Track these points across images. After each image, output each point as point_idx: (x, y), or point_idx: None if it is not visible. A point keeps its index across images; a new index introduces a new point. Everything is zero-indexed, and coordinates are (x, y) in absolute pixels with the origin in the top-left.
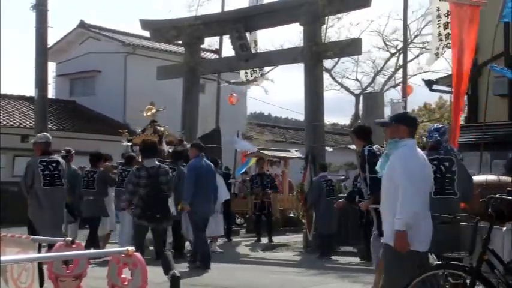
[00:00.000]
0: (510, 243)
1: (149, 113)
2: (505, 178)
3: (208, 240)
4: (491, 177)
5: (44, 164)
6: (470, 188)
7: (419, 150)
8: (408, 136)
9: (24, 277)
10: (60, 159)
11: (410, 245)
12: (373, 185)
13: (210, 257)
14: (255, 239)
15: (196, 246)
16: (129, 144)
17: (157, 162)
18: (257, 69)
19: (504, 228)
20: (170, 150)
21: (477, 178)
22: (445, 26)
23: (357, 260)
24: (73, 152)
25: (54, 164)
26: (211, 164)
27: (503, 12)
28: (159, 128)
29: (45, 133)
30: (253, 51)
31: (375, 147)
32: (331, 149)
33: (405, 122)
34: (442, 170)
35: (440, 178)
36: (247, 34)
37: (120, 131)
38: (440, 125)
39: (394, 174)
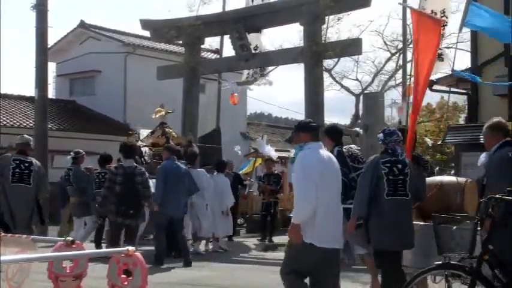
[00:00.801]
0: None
1: (158, 115)
2: (462, 179)
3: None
4: (447, 178)
5: (17, 162)
6: (423, 189)
7: (325, 152)
8: (311, 140)
9: (18, 276)
10: (35, 161)
11: (305, 238)
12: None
13: (187, 254)
14: (258, 238)
15: (156, 246)
16: (138, 145)
17: (135, 164)
18: (257, 69)
19: (454, 227)
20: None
21: (433, 179)
22: None
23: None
24: (83, 153)
25: (27, 164)
26: (184, 166)
27: (464, 21)
28: (167, 129)
29: (24, 135)
30: (257, 51)
31: (345, 148)
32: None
33: (304, 130)
34: (395, 172)
35: (392, 180)
36: (253, 35)
37: (130, 132)
38: (392, 130)
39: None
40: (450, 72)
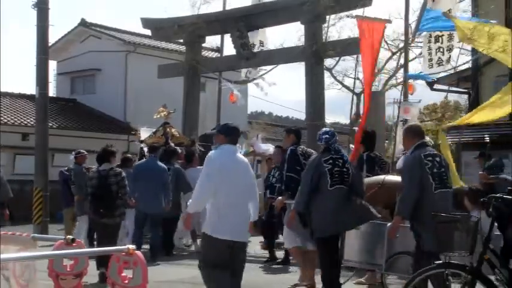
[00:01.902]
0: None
1: (158, 116)
2: None
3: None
4: (389, 177)
5: None
6: (360, 182)
7: (236, 154)
8: (227, 143)
9: (26, 274)
10: None
11: (210, 231)
12: (287, 183)
13: (155, 250)
14: (260, 241)
15: (133, 240)
16: (142, 145)
17: (111, 165)
18: (258, 69)
19: (388, 224)
20: (180, 151)
21: (376, 177)
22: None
23: None
24: (84, 153)
25: None
26: (162, 165)
27: (420, 25)
28: (168, 130)
29: None
30: (259, 49)
31: (299, 148)
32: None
33: (222, 132)
34: (339, 164)
35: (338, 171)
36: (254, 32)
37: (133, 132)
38: (329, 129)
39: None
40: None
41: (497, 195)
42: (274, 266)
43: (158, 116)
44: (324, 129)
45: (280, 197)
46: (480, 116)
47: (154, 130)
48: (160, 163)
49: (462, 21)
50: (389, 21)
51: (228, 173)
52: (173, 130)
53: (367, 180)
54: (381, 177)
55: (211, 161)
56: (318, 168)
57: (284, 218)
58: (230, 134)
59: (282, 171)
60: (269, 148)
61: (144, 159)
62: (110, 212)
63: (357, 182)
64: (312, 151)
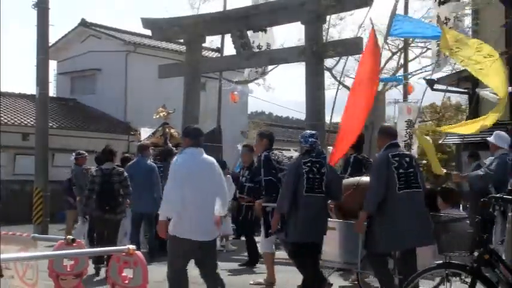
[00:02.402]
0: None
1: (157, 116)
2: None
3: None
4: (364, 179)
5: None
6: (338, 188)
7: (200, 157)
8: (191, 146)
9: (30, 273)
10: None
11: (173, 232)
12: (267, 187)
13: (153, 251)
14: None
15: (131, 239)
16: (139, 144)
17: (113, 165)
18: (258, 70)
19: (353, 222)
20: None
21: (351, 179)
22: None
23: None
24: (84, 154)
25: None
26: (150, 164)
27: (390, 30)
28: (167, 130)
29: None
30: (262, 49)
31: (272, 154)
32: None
33: (187, 135)
34: (314, 170)
35: (311, 178)
36: (258, 34)
37: (132, 133)
38: (314, 132)
39: None
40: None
41: (497, 195)
42: (280, 267)
43: (157, 116)
44: (309, 131)
45: (259, 200)
46: (466, 128)
47: (153, 130)
48: (149, 162)
49: (450, 31)
50: (380, 50)
51: (192, 175)
52: (172, 130)
53: (343, 182)
54: (357, 178)
55: (176, 166)
56: (298, 170)
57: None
58: (194, 136)
59: (256, 175)
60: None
61: (135, 159)
62: (113, 208)
63: (334, 187)
64: (284, 158)
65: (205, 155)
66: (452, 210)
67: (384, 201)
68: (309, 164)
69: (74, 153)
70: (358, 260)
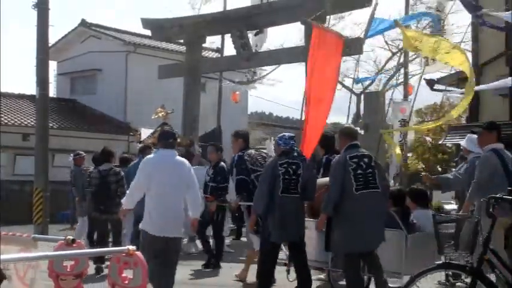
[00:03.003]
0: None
1: (156, 116)
2: None
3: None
4: None
5: None
6: (313, 188)
7: (169, 158)
8: (162, 147)
9: (30, 274)
10: None
11: (143, 228)
12: (238, 186)
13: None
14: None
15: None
16: (140, 145)
17: (111, 165)
18: (258, 71)
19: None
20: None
21: (324, 179)
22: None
23: None
24: (82, 155)
25: None
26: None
27: (368, 31)
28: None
29: None
30: (259, 50)
31: (246, 153)
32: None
33: (160, 138)
34: (290, 172)
35: (287, 179)
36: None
37: (132, 133)
38: (293, 135)
39: None
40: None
41: (497, 195)
42: (280, 267)
43: (156, 117)
44: (288, 134)
45: (235, 200)
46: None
47: (152, 131)
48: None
49: (410, 30)
50: (344, 37)
51: (158, 175)
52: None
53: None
54: (327, 178)
55: (143, 164)
56: (274, 171)
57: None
58: (164, 139)
59: (219, 174)
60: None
61: (136, 160)
62: (110, 209)
63: (309, 187)
64: (259, 156)
65: (177, 157)
66: (419, 210)
67: (342, 202)
68: (285, 166)
69: (72, 154)
70: (328, 258)
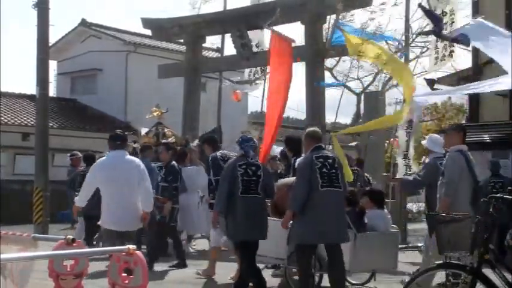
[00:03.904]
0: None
1: (151, 116)
2: None
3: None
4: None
5: None
6: (272, 188)
7: (119, 158)
8: (113, 149)
9: (22, 275)
10: None
11: (101, 223)
12: (217, 185)
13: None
14: None
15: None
16: (135, 145)
17: None
18: (258, 70)
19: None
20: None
21: (286, 179)
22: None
23: None
24: (78, 155)
25: None
26: (147, 165)
27: (332, 38)
28: (161, 129)
29: None
30: (259, 49)
31: (219, 153)
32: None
33: (109, 140)
34: (249, 173)
35: (246, 180)
36: (255, 32)
37: (126, 132)
38: (248, 136)
39: None
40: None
41: (497, 195)
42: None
43: (151, 116)
44: (249, 136)
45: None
46: (365, 126)
47: (146, 131)
48: (150, 163)
49: (352, 37)
50: (293, 40)
51: (109, 174)
52: (166, 130)
53: (281, 181)
54: (291, 179)
55: (94, 165)
56: (233, 172)
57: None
58: (114, 140)
59: (171, 174)
60: (276, 149)
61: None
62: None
63: (269, 187)
64: (230, 154)
65: (128, 157)
66: (375, 210)
67: (307, 199)
68: (243, 167)
69: (68, 154)
70: (285, 255)
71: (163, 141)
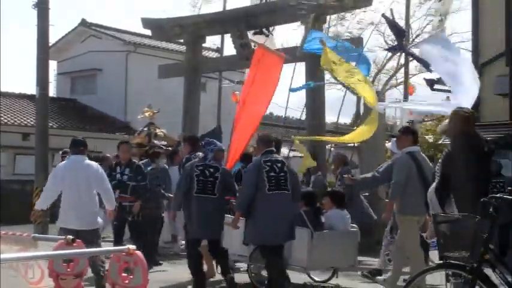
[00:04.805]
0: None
1: (142, 116)
2: None
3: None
4: None
5: None
6: (234, 188)
7: (77, 162)
8: (73, 153)
9: (30, 273)
10: None
11: (57, 223)
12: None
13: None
14: None
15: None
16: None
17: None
18: None
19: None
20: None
21: None
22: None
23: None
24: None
25: None
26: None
27: (305, 43)
28: (153, 130)
29: None
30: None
31: (194, 155)
32: (332, 148)
33: (70, 146)
34: (206, 174)
35: (203, 181)
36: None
37: (117, 133)
38: (211, 140)
39: None
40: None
41: (497, 195)
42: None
43: (142, 116)
44: (211, 139)
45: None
46: (349, 137)
47: (137, 131)
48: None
49: (331, 52)
50: (283, 56)
51: (69, 177)
52: (157, 130)
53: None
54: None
55: (54, 169)
56: (190, 172)
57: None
58: (74, 146)
59: (139, 174)
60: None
61: (146, 161)
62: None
63: (232, 187)
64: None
65: (87, 161)
66: (335, 210)
67: (255, 201)
68: (201, 168)
69: (60, 152)
70: (248, 253)
71: (156, 141)
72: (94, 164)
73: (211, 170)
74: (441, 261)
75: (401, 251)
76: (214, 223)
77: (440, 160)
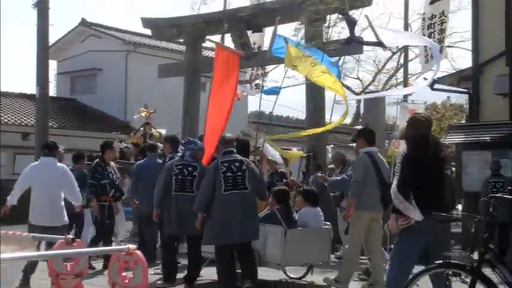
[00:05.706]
0: None
1: (139, 116)
2: None
3: None
4: None
5: None
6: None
7: (47, 164)
8: (45, 155)
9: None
10: None
11: (32, 220)
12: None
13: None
14: None
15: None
16: (122, 145)
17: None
18: (259, 71)
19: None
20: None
21: None
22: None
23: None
24: (61, 151)
25: None
26: (160, 163)
27: (271, 48)
28: (148, 130)
29: None
30: (259, 49)
31: (176, 154)
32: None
33: (42, 148)
34: (185, 172)
35: (181, 179)
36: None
37: (113, 133)
38: (191, 139)
39: None
40: (449, 72)
41: (497, 195)
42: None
43: (139, 116)
44: (192, 139)
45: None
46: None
47: (133, 131)
48: (159, 161)
49: (294, 49)
50: (240, 53)
51: (36, 177)
52: (153, 130)
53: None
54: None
55: (26, 169)
56: (169, 171)
57: None
58: (47, 148)
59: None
60: (275, 154)
61: (146, 158)
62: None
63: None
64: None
65: (57, 163)
66: (308, 208)
67: (213, 201)
68: (180, 167)
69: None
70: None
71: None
72: (63, 166)
73: (190, 168)
74: (441, 261)
75: (354, 247)
76: (193, 220)
77: (398, 161)
